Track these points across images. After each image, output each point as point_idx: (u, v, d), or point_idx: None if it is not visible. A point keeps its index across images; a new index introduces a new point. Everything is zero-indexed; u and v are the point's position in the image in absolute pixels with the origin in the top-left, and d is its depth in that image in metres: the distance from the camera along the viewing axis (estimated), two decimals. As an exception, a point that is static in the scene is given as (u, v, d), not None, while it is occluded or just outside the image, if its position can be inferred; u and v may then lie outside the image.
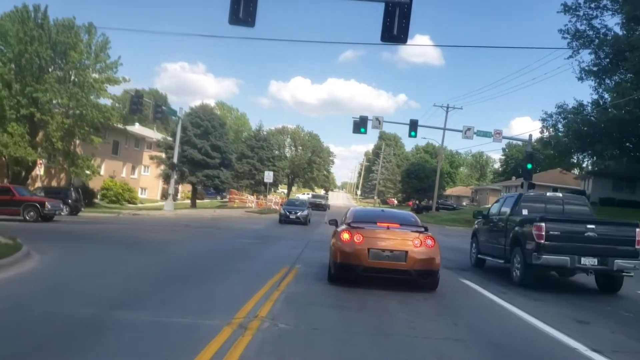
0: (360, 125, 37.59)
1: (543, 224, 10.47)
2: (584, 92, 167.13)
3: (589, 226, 10.50)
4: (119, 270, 10.84)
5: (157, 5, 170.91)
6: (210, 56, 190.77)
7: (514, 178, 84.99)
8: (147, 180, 60.20)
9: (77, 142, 41.37)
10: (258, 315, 6.91)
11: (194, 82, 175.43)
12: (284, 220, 30.68)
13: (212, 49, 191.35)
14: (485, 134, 40.24)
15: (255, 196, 59.60)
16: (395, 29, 12.53)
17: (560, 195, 15.73)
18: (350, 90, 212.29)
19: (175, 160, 37.36)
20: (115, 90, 43.15)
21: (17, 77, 35.17)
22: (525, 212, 12.33)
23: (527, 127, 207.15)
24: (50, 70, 38.90)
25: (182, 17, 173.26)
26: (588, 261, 10.30)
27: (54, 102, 37.99)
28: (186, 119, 44.77)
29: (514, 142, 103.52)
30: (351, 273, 9.55)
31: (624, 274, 10.62)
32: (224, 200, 62.25)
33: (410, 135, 37.95)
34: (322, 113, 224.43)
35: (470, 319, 7.90)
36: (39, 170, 33.35)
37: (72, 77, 38.08)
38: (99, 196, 47.13)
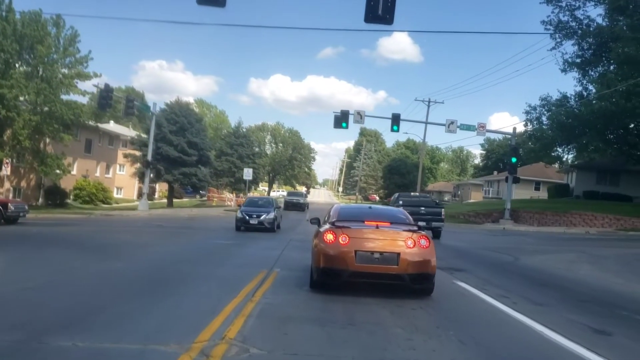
0: (341, 119, 36.56)
1: (402, 207, 16.25)
2: (568, 84, 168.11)
3: (422, 208, 23.22)
4: (71, 280, 9.55)
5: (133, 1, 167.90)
6: (188, 54, 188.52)
7: (495, 173, 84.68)
8: (122, 180, 58.38)
9: (47, 140, 39.70)
10: (225, 336, 5.70)
11: (173, 80, 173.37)
12: (243, 226, 22.92)
13: (190, 46, 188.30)
14: (469, 127, 39.54)
15: (234, 194, 58.12)
16: (380, 9, 11.40)
17: (419, 194, 34.52)
18: (330, 87, 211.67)
19: (149, 157, 35.82)
20: (88, 86, 41.43)
21: (-21, 72, 33.35)
22: (401, 202, 23.42)
23: (508, 122, 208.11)
24: (17, 65, 37.19)
25: (159, 14, 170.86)
26: (421, 223, 15.87)
27: (21, 98, 36.27)
28: (161, 115, 43.20)
29: (494, 137, 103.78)
30: (336, 279, 8.51)
31: (438, 229, 23.26)
32: (203, 199, 60.68)
33: (392, 130, 37.10)
34: (302, 110, 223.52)
35: (476, 333, 6.77)
36: (6, 171, 31.58)
37: (40, 73, 36.39)
38: (71, 196, 45.44)
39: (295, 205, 48.03)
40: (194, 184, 46.49)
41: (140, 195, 48.15)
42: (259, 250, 15.61)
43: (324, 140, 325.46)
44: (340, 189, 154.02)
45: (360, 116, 37.62)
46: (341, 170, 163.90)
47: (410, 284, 8.41)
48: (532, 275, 13.10)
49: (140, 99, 66.18)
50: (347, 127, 36.98)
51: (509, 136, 42.70)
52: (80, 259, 12.23)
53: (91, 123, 39.13)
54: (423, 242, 8.51)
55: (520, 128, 43.89)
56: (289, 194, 57.75)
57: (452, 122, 38.40)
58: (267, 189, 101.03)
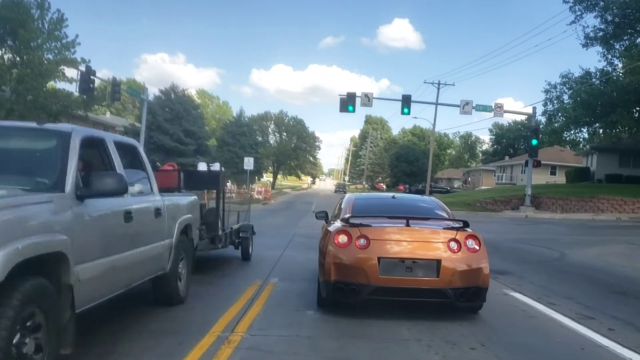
0: (347, 102, 33.84)
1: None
2: (589, 61, 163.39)
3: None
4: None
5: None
6: (190, 46, 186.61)
7: (507, 158, 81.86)
8: (120, 173, 55.92)
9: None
10: None
11: (175, 73, 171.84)
12: None
13: (191, 39, 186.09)
14: (485, 108, 36.66)
15: (236, 185, 55.52)
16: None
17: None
18: (332, 76, 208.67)
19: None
20: (76, 74, 38.82)
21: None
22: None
23: (511, 107, 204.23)
24: (-1, 52, 34.65)
25: (161, 9, 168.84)
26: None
27: (2, 87, 33.76)
28: (155, 103, 40.60)
29: (503, 122, 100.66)
30: (353, 297, 6.14)
31: None
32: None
33: (403, 113, 34.33)
34: (305, 100, 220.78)
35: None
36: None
37: (24, 58, 33.78)
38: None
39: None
40: (192, 176, 43.97)
41: (138, 188, 45.72)
42: (255, 250, 13.01)
43: (329, 129, 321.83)
44: (347, 178, 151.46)
45: (367, 99, 34.84)
46: (347, 159, 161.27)
47: (455, 301, 6.10)
48: (597, 277, 10.47)
49: (141, 91, 63.64)
50: (354, 111, 34.23)
51: (524, 119, 39.88)
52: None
53: (80, 113, 36.49)
54: (471, 243, 6.27)
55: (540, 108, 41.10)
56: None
57: (466, 103, 35.53)
58: (271, 179, 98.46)
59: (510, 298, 7.95)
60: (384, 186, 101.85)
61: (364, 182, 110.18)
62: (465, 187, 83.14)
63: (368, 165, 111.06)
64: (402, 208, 7.46)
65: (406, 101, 33.94)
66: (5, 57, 35.56)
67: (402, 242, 6.20)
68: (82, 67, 28.88)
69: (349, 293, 6.13)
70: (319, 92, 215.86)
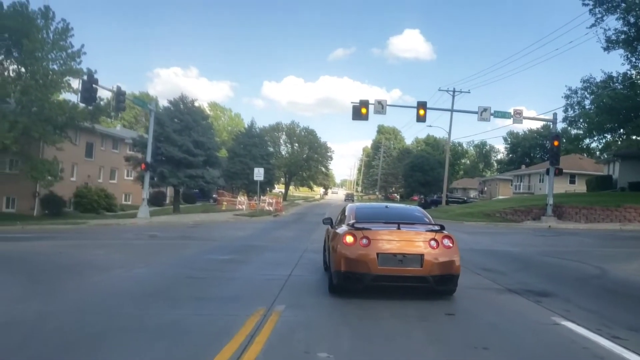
0: (360, 110, 32.66)
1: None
2: (611, 64, 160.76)
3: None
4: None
5: (146, 10, 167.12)
6: (202, 60, 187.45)
7: (523, 167, 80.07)
8: (131, 185, 54.81)
9: (42, 145, 36.41)
10: None
11: (188, 87, 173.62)
12: None
13: (204, 52, 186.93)
14: (504, 115, 35.35)
15: (246, 197, 54.37)
16: None
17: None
18: (343, 87, 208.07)
19: (148, 158, 32.12)
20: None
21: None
22: None
23: (532, 113, 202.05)
24: (1, 60, 33.95)
25: (173, 24, 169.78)
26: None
27: (7, 100, 32.97)
28: (164, 114, 39.64)
29: (518, 130, 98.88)
30: (358, 283, 8.07)
31: None
32: (214, 203, 57.02)
33: (418, 120, 33.01)
34: (316, 112, 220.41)
35: None
36: (-11, 178, 28.24)
37: (28, 69, 32.98)
38: (71, 205, 42.16)
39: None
40: (202, 187, 42.77)
41: (150, 200, 44.66)
42: (261, 269, 11.78)
43: (340, 140, 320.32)
44: (359, 188, 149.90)
45: (381, 106, 33.63)
46: (359, 169, 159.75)
47: (434, 285, 8.10)
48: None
49: (154, 104, 62.91)
50: (367, 119, 33.08)
51: (540, 127, 38.38)
52: (6, 290, 8.56)
53: (87, 124, 35.63)
54: (446, 242, 8.20)
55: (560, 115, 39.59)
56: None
57: (484, 110, 34.17)
58: (283, 190, 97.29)
59: (562, 329, 6.63)
60: (397, 197, 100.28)
61: (377, 193, 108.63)
62: (482, 196, 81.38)
63: (381, 175, 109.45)
64: (394, 215, 9.32)
65: (422, 107, 32.68)
66: (10, 68, 34.90)
67: (395, 241, 8.02)
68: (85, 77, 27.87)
69: (355, 280, 8.00)
70: (330, 104, 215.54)
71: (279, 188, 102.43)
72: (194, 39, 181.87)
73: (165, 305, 7.57)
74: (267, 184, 61.52)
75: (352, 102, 32.66)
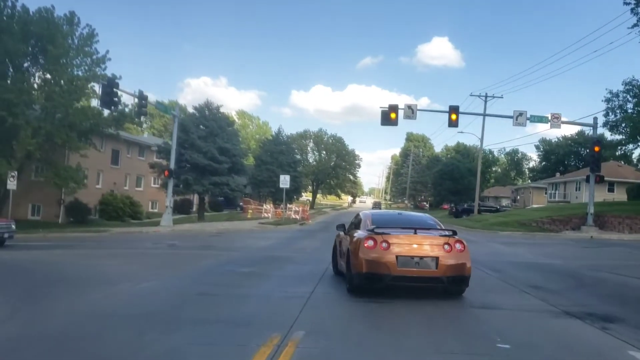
0: (389, 115, 31.40)
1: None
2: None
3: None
4: None
5: (176, 22, 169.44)
6: (231, 69, 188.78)
7: (557, 174, 77.46)
8: (157, 192, 54.32)
9: (67, 152, 36.10)
10: None
11: (217, 96, 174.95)
12: None
13: (233, 63, 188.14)
14: (541, 119, 33.76)
15: (272, 205, 53.40)
16: None
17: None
18: (371, 95, 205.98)
19: (172, 165, 31.39)
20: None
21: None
22: None
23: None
24: (27, 67, 33.75)
25: (203, 35, 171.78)
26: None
27: (34, 107, 32.70)
28: (189, 120, 39.02)
29: (549, 137, 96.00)
30: (378, 283, 8.62)
31: None
32: (240, 211, 56.21)
33: (450, 125, 31.61)
34: (344, 120, 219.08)
35: None
36: (12, 185, 27.78)
37: (53, 74, 32.67)
38: (97, 212, 41.78)
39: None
40: (227, 194, 41.95)
41: (176, 209, 44.07)
42: (280, 284, 10.61)
43: (368, 149, 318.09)
44: (388, 196, 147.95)
45: (411, 110, 32.30)
46: (387, 177, 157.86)
47: (448, 286, 8.77)
48: None
49: (177, 110, 62.69)
50: (396, 124, 31.76)
51: (574, 134, 36.47)
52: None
53: (111, 131, 35.16)
54: (458, 246, 8.72)
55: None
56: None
57: (520, 114, 32.58)
58: (310, 198, 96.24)
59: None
60: (427, 205, 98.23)
61: (405, 201, 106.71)
62: (515, 205, 78.94)
63: (410, 183, 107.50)
64: (408, 221, 10.07)
65: (454, 111, 31.27)
66: (37, 74, 34.70)
67: (412, 244, 8.65)
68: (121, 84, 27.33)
69: (375, 280, 8.57)
70: (358, 112, 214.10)
71: (306, 196, 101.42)
72: (224, 49, 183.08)
73: (164, 330, 6.45)
74: (294, 192, 60.51)
75: (381, 107, 31.50)
